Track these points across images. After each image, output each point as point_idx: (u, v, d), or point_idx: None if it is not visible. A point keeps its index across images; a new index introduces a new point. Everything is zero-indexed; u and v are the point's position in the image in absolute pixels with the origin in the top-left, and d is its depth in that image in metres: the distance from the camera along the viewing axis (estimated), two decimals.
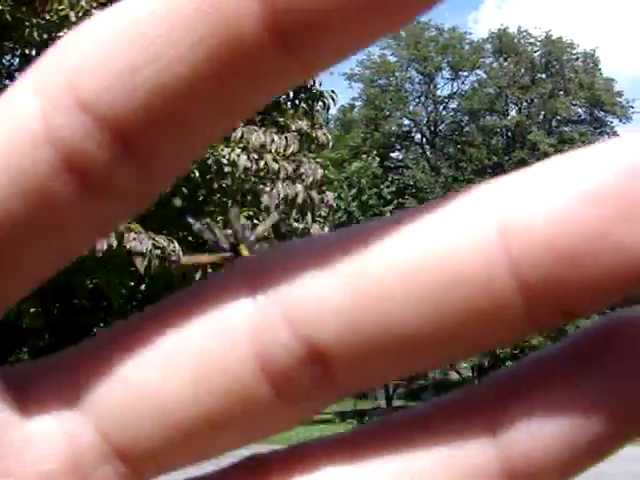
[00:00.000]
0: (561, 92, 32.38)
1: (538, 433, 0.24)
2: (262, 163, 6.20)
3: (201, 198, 6.88)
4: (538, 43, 33.57)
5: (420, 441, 0.23)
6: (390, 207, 30.61)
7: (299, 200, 6.33)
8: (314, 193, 6.71)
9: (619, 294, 0.22)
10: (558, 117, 32.84)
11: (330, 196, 7.47)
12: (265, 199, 6.15)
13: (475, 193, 0.20)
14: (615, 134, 34.31)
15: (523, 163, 31.64)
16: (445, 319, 0.20)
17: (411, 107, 35.61)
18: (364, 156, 30.60)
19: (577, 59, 33.07)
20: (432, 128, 35.84)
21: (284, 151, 6.36)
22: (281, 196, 6.13)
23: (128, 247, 4.79)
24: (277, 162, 6.21)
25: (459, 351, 0.23)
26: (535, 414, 0.24)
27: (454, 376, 27.38)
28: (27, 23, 4.93)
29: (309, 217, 7.11)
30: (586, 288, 0.21)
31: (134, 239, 4.83)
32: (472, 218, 0.19)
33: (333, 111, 35.27)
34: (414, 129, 36.19)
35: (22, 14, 5.05)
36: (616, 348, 0.24)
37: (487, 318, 0.21)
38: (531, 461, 0.24)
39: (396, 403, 28.42)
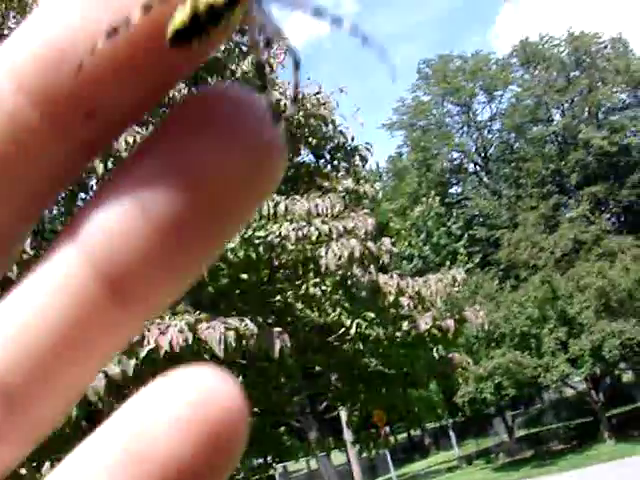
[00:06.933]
0: (599, 83, 31.95)
1: (107, 223, 0.28)
2: (312, 228, 6.35)
3: (266, 279, 7.07)
4: (563, 43, 33.38)
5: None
6: (462, 242, 30.41)
7: (357, 254, 6.45)
8: (370, 244, 6.83)
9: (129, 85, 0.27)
10: (603, 109, 32.33)
11: (387, 242, 7.57)
12: (323, 262, 6.30)
13: None
14: None
15: (581, 163, 31.14)
16: None
17: (456, 139, 35.61)
18: (424, 199, 30.62)
19: (605, 47, 32.66)
20: (482, 154, 35.71)
21: (331, 212, 6.51)
22: (337, 255, 6.26)
23: (203, 337, 4.97)
24: (326, 224, 6.36)
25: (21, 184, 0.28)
26: (103, 205, 0.28)
27: (569, 392, 26.52)
28: None
29: (372, 268, 7.24)
30: (74, 86, 0.27)
31: (207, 328, 5.01)
32: None
33: (382, 163, 35.53)
34: (465, 160, 36.12)
35: None
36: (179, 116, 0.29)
37: (18, 143, 0.27)
38: (113, 254, 0.28)
39: (519, 433, 27.61)
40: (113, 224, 0.27)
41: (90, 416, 5.80)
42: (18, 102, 0.27)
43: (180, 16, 0.28)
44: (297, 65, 0.32)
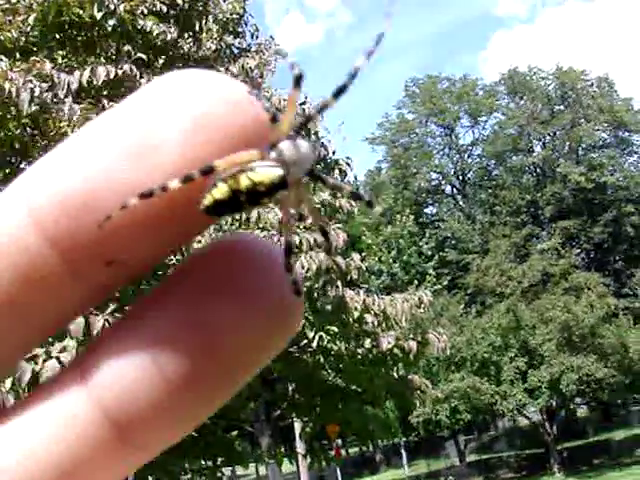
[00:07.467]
0: (582, 120, 32.30)
1: (121, 372, 0.28)
2: (283, 238, 6.31)
3: None
4: (550, 76, 33.73)
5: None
6: (432, 263, 30.52)
7: (324, 267, 6.43)
8: (339, 259, 6.82)
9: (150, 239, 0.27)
10: (583, 145, 32.69)
11: (357, 258, 7.56)
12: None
13: (10, 186, 0.27)
14: None
15: (557, 197, 31.44)
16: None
17: (436, 160, 35.79)
18: (398, 216, 30.70)
19: (591, 85, 33.06)
20: (460, 178, 35.92)
21: (303, 223, 6.48)
22: (305, 267, 6.24)
23: None
24: (297, 235, 6.33)
25: (20, 324, 0.28)
26: (117, 353, 0.28)
27: (523, 422, 26.68)
28: (37, 145, 5.25)
29: (339, 283, 7.22)
30: (101, 236, 0.26)
31: None
32: (6, 208, 0.27)
33: (361, 177, 35.61)
34: (443, 182, 36.31)
35: (29, 138, 5.38)
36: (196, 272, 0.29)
37: (34, 282, 0.27)
38: (123, 402, 0.28)
39: (470, 458, 27.73)
40: (126, 374, 0.28)
41: None
42: (37, 243, 0.27)
43: (220, 191, 0.27)
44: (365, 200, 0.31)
